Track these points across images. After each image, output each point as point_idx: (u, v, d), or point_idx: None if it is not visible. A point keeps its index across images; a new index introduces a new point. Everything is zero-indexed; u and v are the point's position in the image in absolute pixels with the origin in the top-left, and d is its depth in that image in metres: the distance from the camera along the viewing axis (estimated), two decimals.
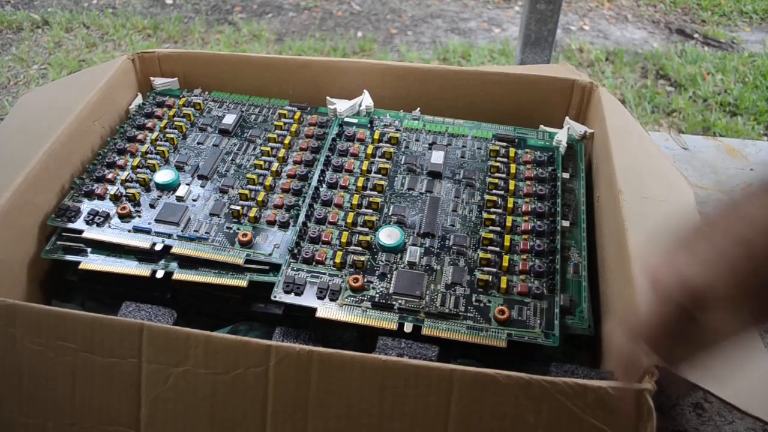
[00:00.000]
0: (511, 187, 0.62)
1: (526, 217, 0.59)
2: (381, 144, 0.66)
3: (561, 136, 0.67)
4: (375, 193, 0.61)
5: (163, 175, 0.62)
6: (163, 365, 0.44)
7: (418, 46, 2.18)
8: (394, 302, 0.52)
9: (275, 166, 0.64)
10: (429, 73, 0.72)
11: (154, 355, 0.44)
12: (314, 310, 0.52)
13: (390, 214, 0.59)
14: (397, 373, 0.42)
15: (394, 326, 0.51)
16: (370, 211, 0.59)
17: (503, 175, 0.63)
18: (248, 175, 0.62)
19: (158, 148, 0.65)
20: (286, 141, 0.67)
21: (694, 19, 2.35)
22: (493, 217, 0.59)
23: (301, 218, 0.58)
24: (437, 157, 0.65)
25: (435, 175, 0.63)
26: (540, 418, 0.41)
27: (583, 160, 0.67)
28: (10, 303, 0.45)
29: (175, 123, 0.69)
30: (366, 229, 0.58)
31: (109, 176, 0.62)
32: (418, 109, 0.71)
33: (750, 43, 2.22)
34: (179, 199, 0.61)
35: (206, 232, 0.58)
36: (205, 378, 0.44)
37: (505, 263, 0.55)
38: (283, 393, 0.43)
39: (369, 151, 0.65)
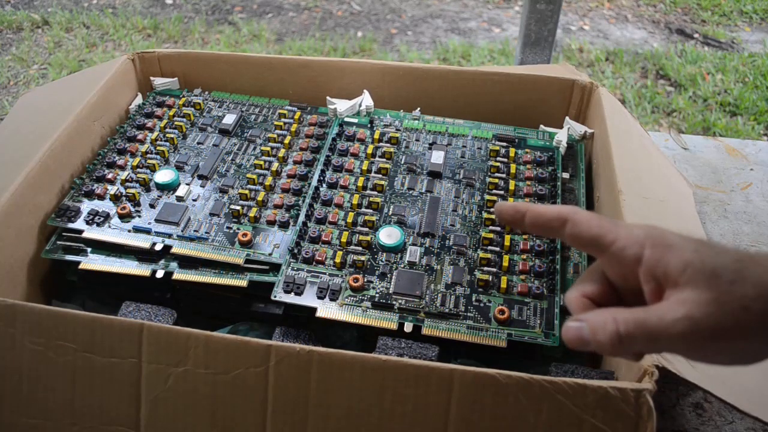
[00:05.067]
0: (511, 187, 0.62)
1: None
2: (381, 144, 0.66)
3: (561, 136, 0.67)
4: (375, 192, 0.61)
5: (163, 175, 0.62)
6: (163, 365, 0.44)
7: (418, 46, 2.18)
8: (394, 302, 0.52)
9: (275, 166, 0.64)
10: (429, 73, 0.72)
11: (154, 355, 0.44)
12: (314, 309, 0.52)
13: (390, 213, 0.59)
14: (397, 373, 0.42)
15: (394, 326, 0.51)
16: (370, 210, 0.59)
17: (503, 175, 0.63)
18: (248, 175, 0.62)
19: (158, 148, 0.65)
20: (286, 141, 0.67)
21: (694, 19, 2.35)
22: (493, 217, 0.59)
23: (301, 218, 0.58)
24: (437, 157, 0.65)
25: (435, 175, 0.63)
26: (540, 418, 0.41)
27: (583, 160, 0.67)
28: (10, 303, 0.45)
29: (175, 123, 0.69)
30: (366, 229, 0.58)
31: (109, 176, 0.62)
32: (418, 109, 0.71)
33: (750, 43, 2.22)
34: (179, 199, 0.61)
35: (206, 232, 0.58)
36: (205, 378, 0.44)
37: (505, 263, 0.55)
38: (283, 393, 0.43)
39: (369, 151, 0.65)
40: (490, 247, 0.56)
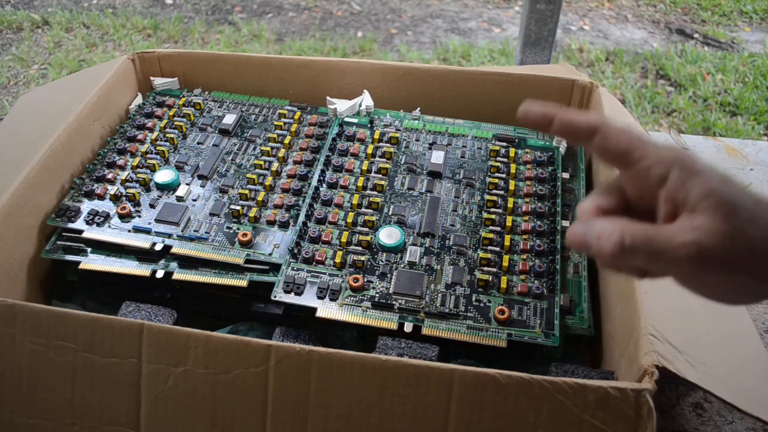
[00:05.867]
0: (511, 187, 0.62)
1: (526, 217, 0.59)
2: (381, 144, 0.66)
3: None
4: (375, 192, 0.61)
5: (163, 175, 0.62)
6: (163, 365, 0.44)
7: (418, 46, 2.18)
8: (394, 302, 0.52)
9: (275, 166, 0.64)
10: (429, 73, 0.72)
11: (154, 355, 0.44)
12: (314, 309, 0.52)
13: (390, 213, 0.59)
14: (397, 373, 0.42)
15: (394, 326, 0.51)
16: (370, 210, 0.59)
17: (503, 175, 0.63)
18: (248, 175, 0.62)
19: (158, 148, 0.65)
20: (286, 141, 0.67)
21: (694, 19, 2.35)
22: (493, 217, 0.59)
23: (301, 218, 0.58)
24: (437, 157, 0.65)
25: (435, 175, 0.63)
26: (540, 418, 0.41)
27: (583, 160, 0.67)
28: (10, 303, 0.45)
29: (175, 123, 0.69)
30: (366, 229, 0.58)
31: (109, 176, 0.62)
32: (418, 109, 0.71)
33: (750, 43, 2.22)
34: (179, 199, 0.61)
35: (206, 232, 0.58)
36: (205, 378, 0.44)
37: (505, 263, 0.55)
38: (283, 393, 0.43)
39: (369, 150, 0.65)
40: (490, 247, 0.56)
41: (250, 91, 0.74)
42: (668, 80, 1.98)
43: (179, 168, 0.64)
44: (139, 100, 0.73)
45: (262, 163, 0.64)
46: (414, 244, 0.57)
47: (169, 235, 0.57)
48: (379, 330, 0.51)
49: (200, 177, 0.63)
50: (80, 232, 0.57)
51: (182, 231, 0.57)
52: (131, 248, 0.57)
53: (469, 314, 0.52)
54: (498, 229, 0.58)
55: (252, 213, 0.59)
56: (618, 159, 0.32)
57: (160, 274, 0.55)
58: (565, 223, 0.59)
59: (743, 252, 0.28)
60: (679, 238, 0.29)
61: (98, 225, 0.58)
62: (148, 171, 0.63)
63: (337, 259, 0.55)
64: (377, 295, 0.53)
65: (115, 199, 0.60)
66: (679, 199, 0.30)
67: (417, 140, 0.67)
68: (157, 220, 0.58)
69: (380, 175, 0.63)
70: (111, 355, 0.44)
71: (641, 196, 0.32)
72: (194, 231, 0.58)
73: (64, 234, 0.58)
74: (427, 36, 2.24)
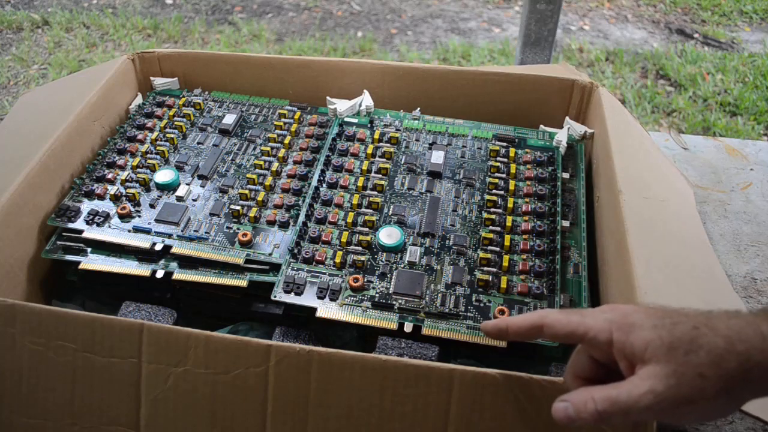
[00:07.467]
0: (511, 187, 0.62)
1: (526, 217, 0.59)
2: (381, 144, 0.66)
3: (561, 136, 0.67)
4: (375, 192, 0.61)
5: (163, 175, 0.62)
6: (163, 365, 0.44)
7: (418, 46, 2.18)
8: (394, 302, 0.52)
9: (275, 166, 0.64)
10: (429, 73, 0.72)
11: (154, 355, 0.44)
12: (314, 309, 0.52)
13: (390, 213, 0.59)
14: (397, 373, 0.42)
15: (394, 326, 0.51)
16: (370, 210, 0.59)
17: (503, 175, 0.63)
18: (248, 175, 0.62)
19: (158, 148, 0.65)
20: (286, 141, 0.67)
21: (694, 19, 2.35)
22: (493, 217, 0.59)
23: (301, 218, 0.58)
24: (437, 157, 0.65)
25: (435, 175, 0.63)
26: (540, 418, 0.41)
27: (583, 160, 0.67)
28: (10, 303, 0.45)
29: (175, 123, 0.69)
30: (366, 229, 0.58)
31: (109, 176, 0.62)
32: (418, 109, 0.71)
33: (750, 43, 2.21)
34: (179, 199, 0.61)
35: (206, 232, 0.58)
36: (205, 378, 0.44)
37: (505, 263, 0.55)
38: (283, 393, 0.43)
39: (369, 151, 0.65)
40: (490, 247, 0.56)
41: (250, 91, 0.74)
42: (668, 80, 1.98)
43: (179, 168, 0.64)
44: (139, 100, 0.73)
45: (262, 163, 0.64)
46: (414, 244, 0.57)
47: (169, 235, 0.57)
48: (379, 330, 0.51)
49: (200, 177, 0.63)
50: (80, 232, 0.57)
51: (182, 231, 0.57)
52: (131, 248, 0.57)
53: (469, 314, 0.52)
54: (498, 229, 0.58)
55: (252, 213, 0.59)
56: (569, 338, 0.37)
57: (160, 274, 0.55)
58: (565, 223, 0.59)
59: (694, 382, 0.32)
60: (636, 391, 0.33)
61: (98, 225, 0.58)
62: (148, 171, 0.63)
63: (337, 259, 0.55)
64: (377, 295, 0.53)
65: (115, 199, 0.60)
66: (628, 355, 0.34)
67: (417, 140, 0.67)
68: (157, 220, 0.58)
69: (380, 175, 0.63)
70: (111, 355, 0.44)
71: (605, 355, 0.36)
72: (194, 231, 0.58)
73: (64, 234, 0.58)
74: (427, 36, 2.24)
